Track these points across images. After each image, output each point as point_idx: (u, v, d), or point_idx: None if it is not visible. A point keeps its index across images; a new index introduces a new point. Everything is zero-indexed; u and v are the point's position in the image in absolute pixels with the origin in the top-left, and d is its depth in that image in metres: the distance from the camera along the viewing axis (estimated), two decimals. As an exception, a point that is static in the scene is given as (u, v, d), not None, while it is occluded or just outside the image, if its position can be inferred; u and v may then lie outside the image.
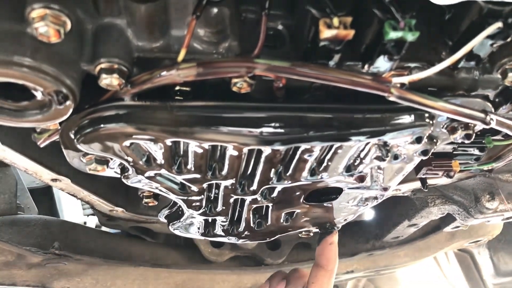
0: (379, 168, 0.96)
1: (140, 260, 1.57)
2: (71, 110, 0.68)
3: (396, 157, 0.89)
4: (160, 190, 0.96)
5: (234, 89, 0.70)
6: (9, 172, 1.49)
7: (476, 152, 1.07)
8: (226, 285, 1.67)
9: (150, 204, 1.14)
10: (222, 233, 1.24)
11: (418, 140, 0.84)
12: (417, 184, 1.27)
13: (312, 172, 0.93)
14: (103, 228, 1.67)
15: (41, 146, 0.84)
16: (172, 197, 1.01)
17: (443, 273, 4.06)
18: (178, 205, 1.14)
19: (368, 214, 2.04)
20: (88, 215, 3.31)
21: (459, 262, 3.69)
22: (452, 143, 0.97)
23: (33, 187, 1.78)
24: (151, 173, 0.88)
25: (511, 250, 3.09)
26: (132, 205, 1.34)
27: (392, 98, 0.69)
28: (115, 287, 1.50)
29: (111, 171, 0.91)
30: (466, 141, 0.85)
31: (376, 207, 1.32)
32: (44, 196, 1.93)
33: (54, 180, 1.11)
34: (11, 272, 1.34)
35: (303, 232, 1.33)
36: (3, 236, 1.33)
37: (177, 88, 0.73)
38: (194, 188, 0.96)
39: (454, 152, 1.02)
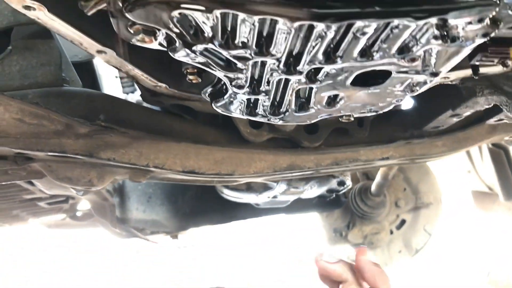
0: (433, 51, 0.92)
1: (181, 136, 1.61)
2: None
3: (453, 39, 0.84)
4: (205, 65, 0.96)
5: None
6: (53, 45, 1.49)
7: (538, 39, 1.00)
8: (263, 164, 1.72)
9: (193, 81, 1.14)
10: (264, 113, 1.25)
11: (481, 20, 0.79)
12: (467, 72, 1.22)
13: (363, 53, 0.90)
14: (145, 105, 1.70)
15: (89, 14, 0.83)
16: (217, 73, 1.00)
17: (474, 168, 4.10)
18: (221, 83, 1.14)
19: (408, 103, 2.00)
20: (127, 93, 3.37)
21: (492, 158, 3.71)
22: (515, 27, 0.91)
23: (75, 61, 1.80)
24: (198, 47, 0.87)
25: (549, 147, 3.07)
26: (175, 82, 1.35)
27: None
28: (158, 161, 1.56)
29: (158, 43, 0.89)
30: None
31: (419, 95, 1.29)
32: (86, 72, 1.95)
33: (99, 52, 1.11)
34: (61, 141, 1.40)
35: (344, 117, 1.33)
36: (51, 106, 1.37)
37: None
38: (240, 65, 0.95)
39: (516, 38, 0.96)
